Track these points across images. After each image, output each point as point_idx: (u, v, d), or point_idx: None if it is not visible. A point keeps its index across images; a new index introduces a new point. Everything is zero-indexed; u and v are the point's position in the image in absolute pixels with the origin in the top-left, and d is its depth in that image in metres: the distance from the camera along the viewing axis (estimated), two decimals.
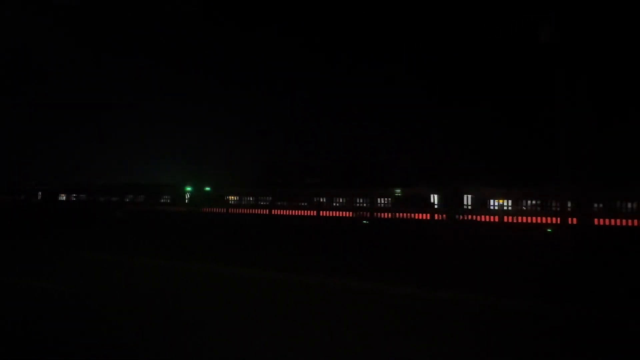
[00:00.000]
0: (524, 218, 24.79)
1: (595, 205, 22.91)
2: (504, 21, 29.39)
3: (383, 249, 16.13)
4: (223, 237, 20.48)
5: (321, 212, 29.50)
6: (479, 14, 35.64)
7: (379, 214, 28.46)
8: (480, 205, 25.81)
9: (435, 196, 27.22)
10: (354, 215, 28.67)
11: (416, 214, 27.28)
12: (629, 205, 22.86)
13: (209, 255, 14.09)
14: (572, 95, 16.46)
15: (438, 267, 11.93)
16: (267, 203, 30.84)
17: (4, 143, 58.02)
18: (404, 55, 39.93)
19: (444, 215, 26.39)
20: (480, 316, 7.62)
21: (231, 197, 32.68)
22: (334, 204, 29.46)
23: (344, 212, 29.01)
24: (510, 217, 25.15)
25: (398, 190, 28.27)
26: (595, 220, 22.30)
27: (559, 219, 20.94)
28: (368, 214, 28.62)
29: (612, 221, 22.63)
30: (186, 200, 33.69)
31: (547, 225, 22.62)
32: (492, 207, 26.04)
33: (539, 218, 24.43)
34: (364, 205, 28.98)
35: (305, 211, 29.47)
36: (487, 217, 25.58)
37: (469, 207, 25.98)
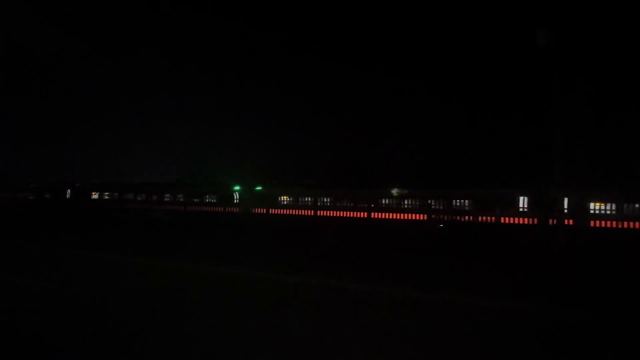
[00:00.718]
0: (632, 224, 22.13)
1: None
2: (502, 25, 28.25)
3: (477, 260, 13.87)
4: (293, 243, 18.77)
5: (390, 214, 26.83)
6: (478, 18, 34.16)
7: (456, 217, 25.82)
8: (578, 209, 23.15)
9: (524, 198, 24.56)
10: (428, 218, 26.02)
11: (501, 218, 24.66)
12: None
13: (297, 265, 12.70)
14: None
15: (554, 283, 10.71)
16: (329, 204, 28.16)
17: (30, 138, 55.53)
18: (406, 59, 37.54)
19: (535, 220, 23.74)
20: None
21: (284, 197, 29.97)
22: (404, 206, 26.74)
23: (416, 215, 26.28)
24: (616, 223, 22.45)
25: (479, 192, 25.55)
26: None
27: None
28: (444, 217, 26.02)
29: None
30: (235, 201, 30.97)
31: None
32: (594, 211, 23.30)
33: None
34: (439, 207, 26.30)
35: (375, 213, 26.82)
36: (597, 222, 22.81)
37: (565, 211, 23.30)
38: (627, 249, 16.41)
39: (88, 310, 8.49)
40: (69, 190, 38.08)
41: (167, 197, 33.61)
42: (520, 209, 24.48)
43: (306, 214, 28.24)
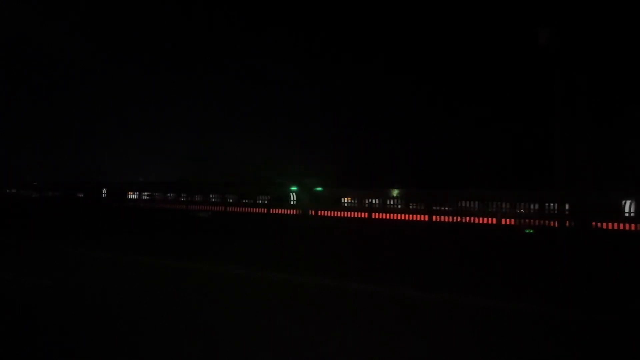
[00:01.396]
0: None
1: None
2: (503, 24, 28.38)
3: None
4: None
5: (468, 217, 24.31)
6: (479, 17, 32.10)
7: (546, 221, 23.37)
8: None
9: (630, 202, 22.05)
10: (516, 223, 23.57)
11: (604, 224, 22.18)
12: None
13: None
14: None
15: None
16: (400, 207, 25.65)
17: (59, 136, 53.32)
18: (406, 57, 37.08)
19: None
20: None
21: (347, 199, 27.53)
22: (490, 209, 24.21)
23: (506, 219, 23.75)
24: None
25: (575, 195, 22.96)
26: None
27: None
28: (533, 222, 23.60)
29: None
30: (292, 202, 28.55)
31: None
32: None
33: None
34: (527, 211, 23.81)
35: (454, 217, 24.27)
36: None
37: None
38: None
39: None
40: (104, 190, 35.75)
41: (213, 197, 31.24)
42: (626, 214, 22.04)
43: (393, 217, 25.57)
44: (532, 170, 26.13)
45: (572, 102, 18.85)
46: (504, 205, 24.01)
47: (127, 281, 12.10)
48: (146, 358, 6.78)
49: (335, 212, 27.01)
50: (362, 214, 26.02)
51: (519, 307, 9.09)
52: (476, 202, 24.29)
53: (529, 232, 23.05)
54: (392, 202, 25.83)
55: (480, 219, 24.18)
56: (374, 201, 26.36)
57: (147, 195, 34.05)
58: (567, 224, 20.61)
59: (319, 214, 27.54)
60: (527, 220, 23.61)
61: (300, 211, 28.14)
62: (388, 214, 25.10)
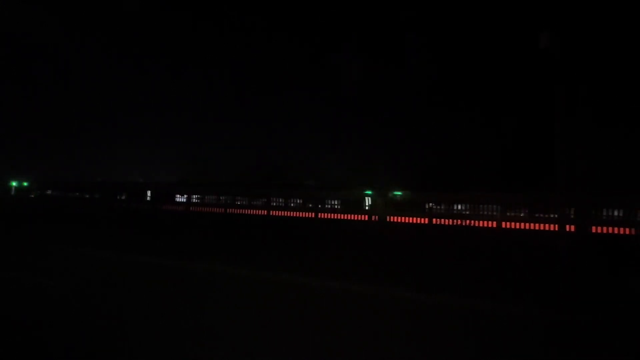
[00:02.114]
0: None
1: None
2: (503, 27, 27.58)
3: None
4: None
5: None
6: (478, 19, 30.83)
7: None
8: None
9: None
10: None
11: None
12: None
13: None
14: None
15: None
16: (496, 213, 22.51)
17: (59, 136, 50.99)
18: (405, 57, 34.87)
19: None
20: None
21: (431, 204, 24.45)
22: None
23: (622, 228, 20.50)
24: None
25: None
26: None
27: None
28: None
29: None
30: (366, 207, 25.58)
31: None
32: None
33: None
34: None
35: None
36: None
37: None
38: None
39: None
40: (148, 192, 33.07)
41: (281, 201, 28.33)
42: None
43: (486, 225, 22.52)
44: (533, 172, 24.58)
45: (573, 105, 18.71)
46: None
47: None
48: None
49: (419, 219, 23.98)
50: (454, 221, 22.98)
51: None
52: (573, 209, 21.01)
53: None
54: (498, 209, 22.65)
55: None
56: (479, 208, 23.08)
57: (197, 199, 31.29)
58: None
59: (398, 220, 24.57)
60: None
61: (376, 217, 25.20)
62: (489, 222, 21.97)
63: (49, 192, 39.47)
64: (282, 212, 27.46)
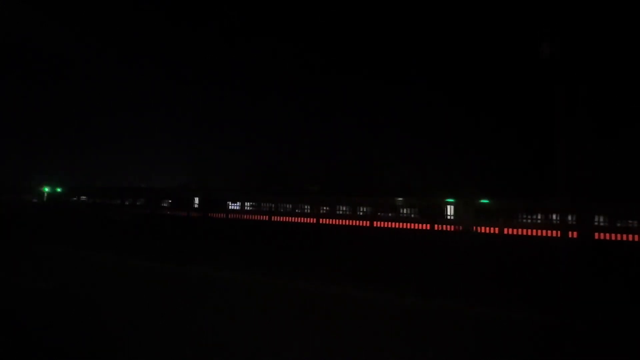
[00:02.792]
0: None
1: None
2: (504, 36, 27.68)
3: None
4: None
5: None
6: (479, 28, 30.77)
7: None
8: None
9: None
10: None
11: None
12: None
13: None
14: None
15: None
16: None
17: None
18: (405, 66, 35.37)
19: None
20: None
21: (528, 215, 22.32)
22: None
23: None
24: None
25: None
26: None
27: None
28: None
29: None
30: (448, 216, 23.47)
31: None
32: None
33: None
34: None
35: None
36: None
37: None
38: None
39: None
40: (196, 199, 31.04)
41: (342, 209, 26.29)
42: None
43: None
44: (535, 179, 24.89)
45: (573, 110, 19.27)
46: None
47: None
48: None
49: (513, 230, 21.85)
50: (556, 232, 20.83)
51: None
52: None
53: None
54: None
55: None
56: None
57: (252, 206, 29.21)
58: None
59: (485, 230, 22.44)
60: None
61: (460, 227, 23.09)
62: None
63: (83, 198, 37.46)
64: (350, 222, 25.37)
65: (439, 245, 22.41)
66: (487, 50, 30.14)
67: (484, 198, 22.88)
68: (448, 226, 23.27)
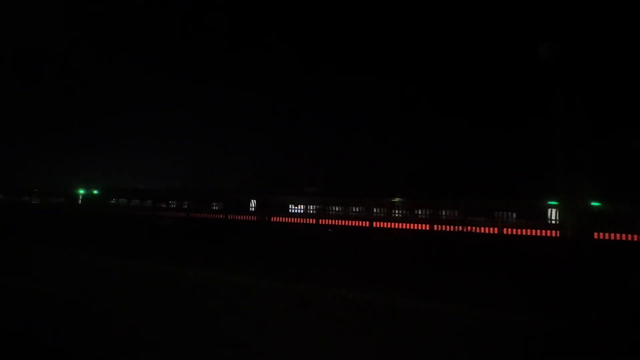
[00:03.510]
0: None
1: None
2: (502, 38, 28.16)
3: None
4: None
5: None
6: (476, 30, 30.57)
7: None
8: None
9: None
10: None
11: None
12: None
13: None
14: None
15: None
16: None
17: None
18: (402, 68, 34.95)
19: None
20: None
21: None
22: None
23: None
24: None
25: None
26: None
27: None
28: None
29: None
30: (551, 220, 21.10)
31: None
32: None
33: None
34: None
35: None
36: None
37: None
38: None
39: None
40: (253, 202, 28.76)
41: (445, 212, 23.64)
42: None
43: None
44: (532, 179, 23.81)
45: (571, 111, 18.81)
46: None
47: None
48: None
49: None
50: None
51: None
52: None
53: None
54: None
55: None
56: None
57: (315, 209, 26.88)
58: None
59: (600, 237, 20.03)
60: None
61: (566, 233, 20.70)
62: None
63: (123, 200, 35.21)
64: (455, 227, 22.68)
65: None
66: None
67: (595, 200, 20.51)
68: (546, 231, 20.91)
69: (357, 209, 25.43)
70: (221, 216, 29.49)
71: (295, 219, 26.82)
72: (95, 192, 36.18)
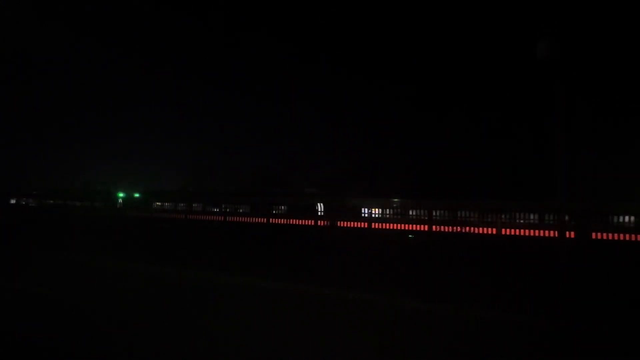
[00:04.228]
0: None
1: None
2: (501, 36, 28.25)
3: None
4: None
5: None
6: (475, 28, 30.77)
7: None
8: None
9: None
10: None
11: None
12: None
13: None
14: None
15: None
16: None
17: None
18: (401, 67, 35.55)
19: None
20: None
21: None
22: None
23: None
24: None
25: None
26: None
27: None
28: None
29: None
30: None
31: None
32: None
33: None
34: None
35: None
36: None
37: None
38: None
39: None
40: (320, 205, 28.12)
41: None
42: None
43: None
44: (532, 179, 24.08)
45: (572, 111, 19.33)
46: None
47: None
48: None
49: None
50: None
51: None
52: None
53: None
54: None
55: None
56: None
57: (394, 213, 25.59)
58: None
59: None
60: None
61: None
62: None
63: (167, 204, 34.26)
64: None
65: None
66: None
67: None
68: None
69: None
70: (284, 220, 28.62)
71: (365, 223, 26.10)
72: (136, 195, 35.78)
